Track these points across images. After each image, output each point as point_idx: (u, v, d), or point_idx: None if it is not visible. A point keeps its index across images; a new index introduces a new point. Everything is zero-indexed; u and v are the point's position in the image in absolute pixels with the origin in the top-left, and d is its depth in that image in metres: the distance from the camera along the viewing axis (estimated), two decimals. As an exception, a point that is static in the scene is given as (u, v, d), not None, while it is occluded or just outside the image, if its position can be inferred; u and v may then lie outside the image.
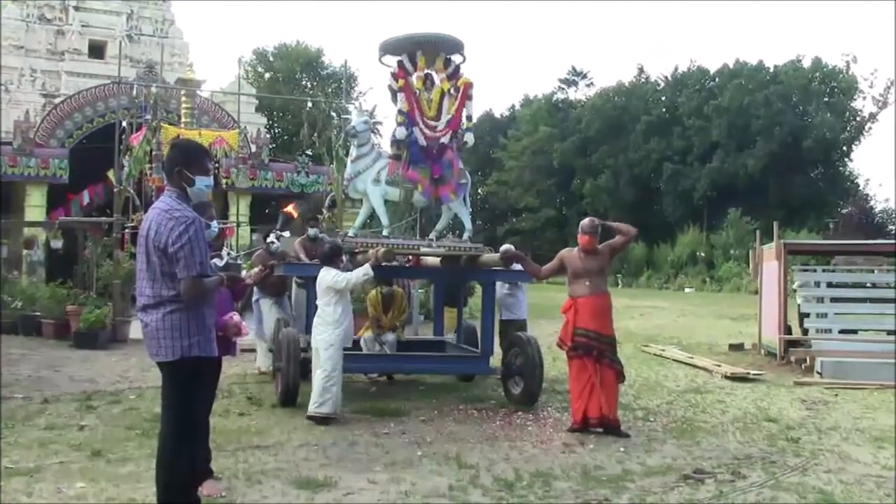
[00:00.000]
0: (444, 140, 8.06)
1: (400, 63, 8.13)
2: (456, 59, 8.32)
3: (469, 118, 8.26)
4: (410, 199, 8.28)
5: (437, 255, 8.32)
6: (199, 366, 4.12)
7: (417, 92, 8.03)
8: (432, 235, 8.60)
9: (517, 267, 8.21)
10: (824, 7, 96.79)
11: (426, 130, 8.01)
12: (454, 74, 8.25)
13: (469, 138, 8.31)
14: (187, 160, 4.17)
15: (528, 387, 7.99)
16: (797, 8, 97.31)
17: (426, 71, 8.18)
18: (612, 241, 7.24)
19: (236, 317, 4.97)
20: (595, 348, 6.85)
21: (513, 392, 8.22)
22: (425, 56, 8.14)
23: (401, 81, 7.98)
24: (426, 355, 9.18)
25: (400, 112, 7.93)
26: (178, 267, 3.93)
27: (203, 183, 4.20)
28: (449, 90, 8.16)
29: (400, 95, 7.97)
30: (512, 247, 8.47)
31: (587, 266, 7.01)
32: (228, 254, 4.38)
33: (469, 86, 8.17)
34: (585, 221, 7.19)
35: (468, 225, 8.45)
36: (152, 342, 4.06)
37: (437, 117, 8.10)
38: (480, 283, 11.09)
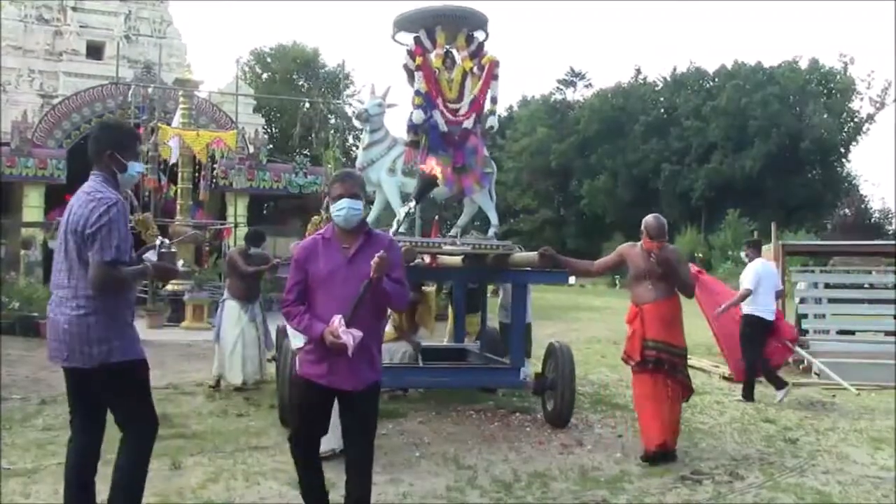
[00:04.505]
0: (467, 124, 7.27)
1: (417, 40, 7.32)
2: (479, 35, 7.52)
3: (494, 100, 7.45)
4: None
5: (462, 254, 7.48)
6: (120, 373, 3.70)
7: (437, 71, 7.24)
8: (455, 231, 7.85)
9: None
10: (822, 8, 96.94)
11: (447, 114, 7.21)
12: (477, 52, 7.46)
13: (494, 122, 7.53)
14: (121, 143, 3.81)
15: (560, 403, 7.08)
16: (794, 9, 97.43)
17: (446, 48, 7.40)
18: (678, 271, 6.04)
19: (335, 321, 3.75)
20: (667, 361, 5.98)
21: (546, 407, 7.38)
22: (445, 32, 7.34)
23: (418, 59, 7.17)
24: (451, 367, 8.11)
25: (417, 93, 7.14)
26: (93, 249, 3.50)
27: (135, 169, 3.87)
28: (472, 69, 7.37)
29: (417, 75, 7.16)
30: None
31: (652, 266, 6.02)
32: (162, 242, 3.81)
33: (494, 64, 7.36)
34: (651, 222, 6.06)
35: (494, 220, 7.73)
36: (60, 345, 3.64)
37: (459, 99, 7.33)
38: (490, 284, 10.17)
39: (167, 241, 4.22)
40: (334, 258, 3.90)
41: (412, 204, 4.51)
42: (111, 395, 3.80)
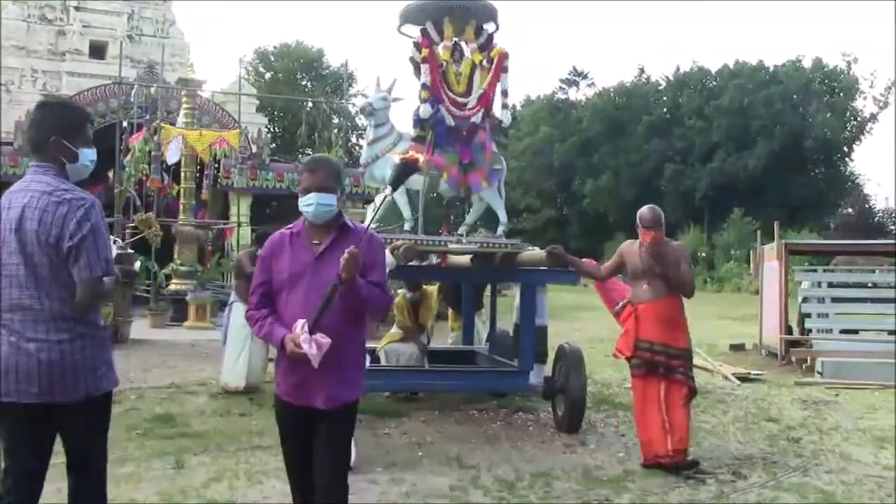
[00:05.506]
0: (475, 119, 6.99)
1: (424, 32, 7.03)
2: (489, 27, 7.23)
3: (505, 93, 7.17)
4: (436, 188, 7.25)
5: (469, 253, 7.20)
6: (101, 406, 3.20)
7: (444, 64, 6.97)
8: (462, 230, 7.65)
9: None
10: (824, 7, 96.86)
11: (454, 108, 6.93)
12: (486, 45, 7.17)
13: (505, 117, 7.27)
14: (67, 126, 3.09)
15: (571, 408, 6.79)
16: (797, 8, 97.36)
17: (454, 40, 7.10)
18: (678, 270, 5.82)
19: (298, 327, 3.22)
20: (662, 364, 5.73)
21: (556, 412, 7.13)
22: (453, 24, 7.06)
23: (425, 51, 6.87)
24: (457, 370, 7.77)
25: (424, 87, 6.83)
26: (79, 265, 2.92)
27: (88, 157, 3.14)
28: (481, 62, 7.09)
29: (424, 68, 6.86)
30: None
31: (649, 263, 5.78)
32: (115, 241, 3.35)
33: (504, 56, 7.07)
34: (645, 212, 5.78)
35: (503, 217, 7.41)
36: (29, 380, 2.95)
37: (467, 93, 7.03)
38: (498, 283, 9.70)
39: (120, 240, 4.02)
40: (301, 256, 3.39)
41: (388, 190, 4.16)
42: (82, 434, 3.16)
